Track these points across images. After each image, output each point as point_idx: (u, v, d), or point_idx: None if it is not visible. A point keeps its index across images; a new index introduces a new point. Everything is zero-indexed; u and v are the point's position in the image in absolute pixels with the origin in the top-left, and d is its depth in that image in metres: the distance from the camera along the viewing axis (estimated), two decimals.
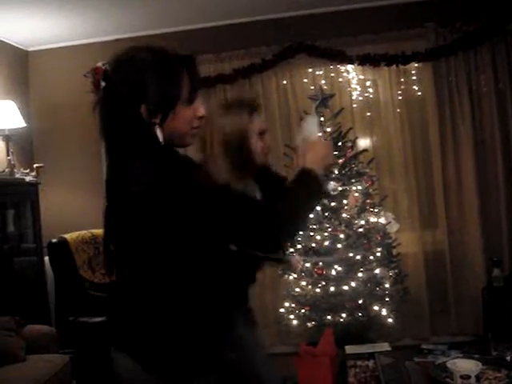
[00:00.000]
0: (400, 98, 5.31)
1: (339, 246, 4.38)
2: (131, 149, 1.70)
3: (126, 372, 1.75)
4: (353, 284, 4.33)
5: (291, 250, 4.55)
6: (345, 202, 4.45)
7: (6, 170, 4.85)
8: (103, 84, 1.80)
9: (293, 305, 4.54)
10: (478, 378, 2.67)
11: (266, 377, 2.26)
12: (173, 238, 1.67)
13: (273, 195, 2.15)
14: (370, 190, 4.60)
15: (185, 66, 1.75)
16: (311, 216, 4.19)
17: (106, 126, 1.77)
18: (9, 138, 5.04)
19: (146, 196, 1.63)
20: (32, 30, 5.24)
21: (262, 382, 2.21)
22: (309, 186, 1.83)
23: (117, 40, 5.53)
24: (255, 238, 1.70)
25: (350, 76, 5.35)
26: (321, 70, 5.36)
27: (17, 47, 5.60)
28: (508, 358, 3.00)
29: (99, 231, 5.05)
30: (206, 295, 1.76)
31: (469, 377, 2.66)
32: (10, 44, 5.47)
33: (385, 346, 4.08)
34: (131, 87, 1.70)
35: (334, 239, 4.39)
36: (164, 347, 1.70)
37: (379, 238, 4.50)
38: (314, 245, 4.42)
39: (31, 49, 5.74)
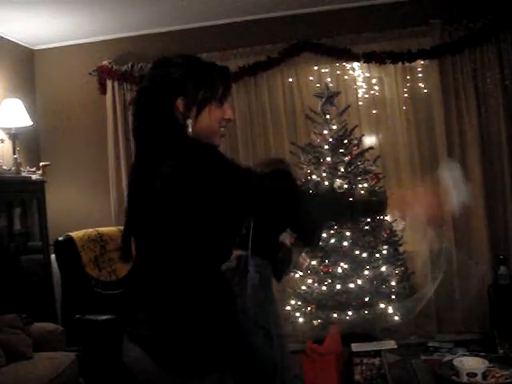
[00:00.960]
0: (406, 95, 5.30)
1: (345, 243, 4.38)
2: (166, 141, 1.77)
3: (137, 362, 1.77)
4: (359, 282, 4.33)
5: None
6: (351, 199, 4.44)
7: (13, 168, 4.87)
8: (141, 84, 1.90)
9: (299, 303, 4.54)
10: (484, 375, 2.67)
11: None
12: (202, 230, 1.72)
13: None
14: (376, 188, 4.60)
15: (219, 71, 1.89)
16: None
17: (140, 121, 1.85)
18: (15, 136, 5.05)
19: (178, 182, 1.69)
20: (38, 29, 5.26)
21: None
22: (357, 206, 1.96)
23: (122, 38, 5.54)
24: (294, 220, 1.80)
25: (356, 74, 5.34)
26: (326, 68, 5.35)
27: (23, 46, 5.61)
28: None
29: (105, 229, 5.06)
30: (221, 288, 1.80)
31: (475, 374, 2.66)
32: (16, 43, 5.49)
33: (391, 344, 4.09)
34: (169, 81, 1.79)
35: (340, 237, 4.39)
36: (177, 341, 1.72)
37: (385, 236, 4.50)
38: (320, 243, 4.42)
39: (37, 47, 5.75)
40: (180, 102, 1.78)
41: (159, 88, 1.80)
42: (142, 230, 1.83)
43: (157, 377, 1.73)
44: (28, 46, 5.67)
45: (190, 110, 1.78)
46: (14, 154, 5.00)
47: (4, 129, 5.01)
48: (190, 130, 1.78)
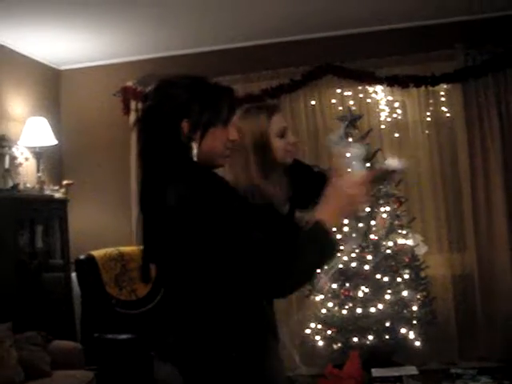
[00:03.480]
0: (429, 119, 5.29)
1: (366, 267, 4.35)
2: (170, 165, 1.75)
3: (169, 380, 1.80)
4: (380, 306, 4.29)
5: (318, 270, 4.53)
6: (373, 223, 4.42)
7: (36, 186, 4.92)
8: (144, 103, 1.87)
9: (319, 326, 4.51)
10: None
11: None
12: (205, 254, 1.68)
13: (305, 188, 2.27)
14: (398, 212, 4.57)
15: (223, 92, 1.86)
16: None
17: (145, 143, 1.82)
18: (39, 154, 5.11)
19: (180, 211, 1.66)
20: (64, 50, 5.35)
21: None
22: (322, 244, 1.71)
23: (146, 60, 5.61)
24: (260, 285, 1.66)
25: (379, 97, 5.34)
26: (349, 91, 5.36)
27: (49, 66, 5.70)
28: None
29: (126, 248, 5.07)
30: (241, 307, 1.78)
31: None
32: (42, 63, 5.57)
33: (412, 370, 4.03)
34: (175, 103, 1.78)
35: (362, 260, 4.36)
36: (202, 360, 1.73)
37: (407, 260, 4.47)
38: (341, 266, 4.39)
39: (63, 68, 5.83)
40: (185, 124, 1.76)
41: (165, 109, 1.78)
42: (160, 255, 1.81)
43: None
44: (54, 66, 5.76)
45: (194, 132, 1.77)
46: (38, 172, 5.06)
47: (29, 147, 5.07)
48: (195, 152, 1.76)
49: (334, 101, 5.40)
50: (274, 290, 1.69)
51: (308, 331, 4.56)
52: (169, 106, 1.78)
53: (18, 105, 5.12)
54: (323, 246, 1.71)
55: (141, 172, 1.86)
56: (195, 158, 1.76)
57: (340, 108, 5.27)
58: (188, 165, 1.76)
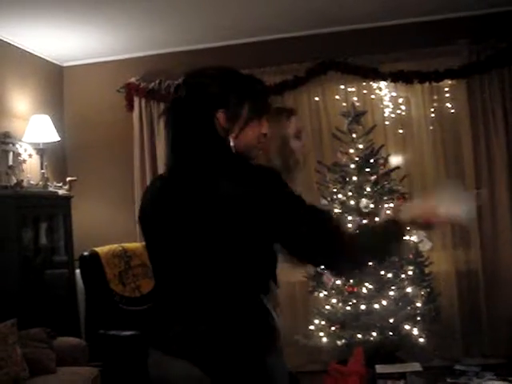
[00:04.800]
0: (433, 115, 5.28)
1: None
2: (211, 157, 1.74)
3: (185, 378, 1.74)
4: (384, 302, 4.28)
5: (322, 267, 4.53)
6: (377, 219, 4.41)
7: (40, 183, 4.92)
8: (176, 94, 1.84)
9: (323, 322, 4.50)
10: None
11: None
12: (252, 253, 1.71)
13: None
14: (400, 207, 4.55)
15: (259, 84, 1.87)
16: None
17: (178, 133, 1.80)
18: (43, 151, 5.11)
19: (237, 200, 1.67)
20: (67, 46, 5.34)
21: None
22: (396, 235, 1.83)
23: (150, 56, 5.60)
24: (330, 260, 1.76)
25: (383, 93, 5.33)
26: (353, 87, 5.35)
27: (52, 62, 5.69)
28: None
29: (130, 245, 5.08)
30: (261, 300, 1.78)
31: None
32: (45, 59, 5.57)
33: (416, 366, 4.03)
34: (211, 93, 1.76)
35: None
36: (225, 354, 1.71)
37: (411, 256, 4.45)
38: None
39: (66, 64, 5.83)
40: (221, 115, 1.74)
41: (199, 99, 1.75)
42: (177, 246, 1.78)
43: None
44: (57, 62, 5.75)
45: (232, 124, 1.75)
46: (42, 169, 5.06)
47: (32, 144, 5.07)
48: (232, 144, 1.75)
49: (337, 97, 5.39)
50: (341, 264, 1.76)
51: (312, 327, 4.55)
52: (203, 96, 1.75)
53: (22, 101, 5.12)
54: (396, 238, 1.82)
55: (169, 161, 1.84)
56: (233, 150, 1.75)
57: (344, 104, 5.25)
58: (231, 156, 1.75)
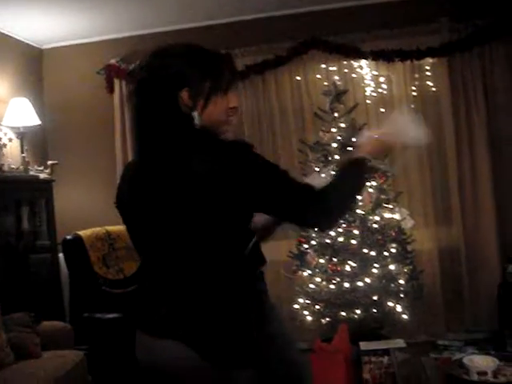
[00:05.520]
0: (414, 93, 5.27)
1: (353, 241, 4.37)
2: (178, 136, 1.74)
3: (176, 359, 1.74)
4: (367, 280, 4.32)
5: (306, 246, 4.55)
6: (359, 198, 4.43)
7: (21, 167, 4.88)
8: (139, 75, 1.84)
9: (307, 301, 4.53)
10: (494, 373, 2.66)
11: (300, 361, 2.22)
12: (226, 220, 1.72)
13: None
14: (385, 186, 4.58)
15: (223, 59, 1.85)
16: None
17: (143, 116, 1.80)
18: (23, 135, 5.06)
19: (211, 177, 1.68)
20: (46, 28, 5.27)
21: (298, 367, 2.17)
22: (357, 171, 1.90)
23: (130, 37, 5.54)
24: (305, 217, 1.79)
25: (364, 72, 5.31)
26: (334, 66, 5.33)
27: (31, 45, 5.62)
28: None
29: (114, 228, 5.06)
30: (245, 274, 1.80)
31: (485, 373, 2.65)
32: (24, 42, 5.50)
33: (400, 343, 4.07)
34: (173, 73, 1.75)
35: (349, 235, 4.38)
36: (209, 331, 1.72)
37: (394, 234, 4.49)
38: (328, 241, 4.41)
39: (45, 46, 5.76)
40: (185, 94, 1.74)
41: (161, 79, 1.75)
42: (155, 228, 1.78)
43: (201, 371, 1.71)
44: (36, 44, 5.68)
45: (196, 101, 1.75)
46: (22, 152, 5.01)
47: (12, 128, 5.02)
48: (196, 122, 1.75)
49: (319, 76, 5.36)
50: (323, 217, 1.80)
51: (296, 306, 4.58)
52: (165, 76, 1.75)
53: (0, 85, 5.06)
54: (362, 171, 1.89)
55: (136, 144, 1.86)
56: (197, 127, 1.75)
57: (325, 83, 5.23)
58: (198, 132, 1.75)
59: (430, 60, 5.22)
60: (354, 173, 1.89)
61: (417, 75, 5.27)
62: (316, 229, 1.96)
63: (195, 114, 1.75)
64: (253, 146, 1.75)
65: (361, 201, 4.42)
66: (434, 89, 5.28)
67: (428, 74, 5.27)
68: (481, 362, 2.72)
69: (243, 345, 1.73)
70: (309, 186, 1.79)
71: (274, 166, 1.75)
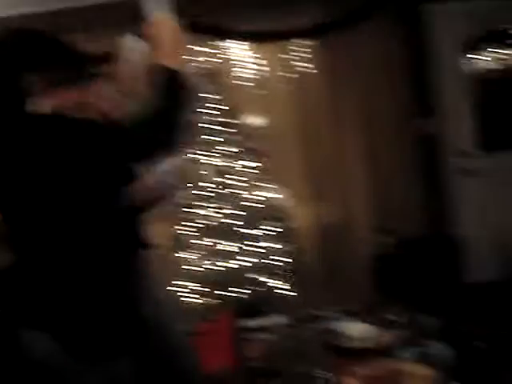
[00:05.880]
0: (288, 74, 5.30)
1: (234, 221, 4.39)
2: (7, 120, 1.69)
3: (43, 351, 1.67)
4: (247, 259, 4.34)
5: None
6: (235, 178, 4.46)
7: None
8: None
9: (186, 283, 4.50)
10: (369, 339, 2.76)
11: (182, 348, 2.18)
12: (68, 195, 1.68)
13: None
14: (261, 165, 4.62)
15: (65, 48, 1.81)
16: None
17: None
18: None
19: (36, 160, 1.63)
20: None
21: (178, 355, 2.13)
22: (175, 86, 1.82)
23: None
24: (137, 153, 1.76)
25: (235, 53, 5.27)
26: (202, 47, 5.22)
27: None
28: (397, 320, 3.12)
29: None
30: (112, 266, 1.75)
31: (365, 339, 2.76)
32: None
33: (282, 319, 4.14)
34: (11, 60, 1.70)
35: (225, 214, 4.39)
36: (78, 324, 1.65)
37: (271, 213, 4.54)
38: (206, 222, 4.40)
39: None
40: (24, 80, 1.69)
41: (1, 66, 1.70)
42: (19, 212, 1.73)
43: (65, 365, 1.64)
44: None
45: (36, 89, 1.70)
46: None
47: None
48: (33, 107, 1.69)
49: (188, 58, 5.26)
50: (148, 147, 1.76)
51: (178, 289, 4.54)
52: (3, 63, 1.70)
53: None
54: (176, 88, 1.81)
55: None
56: (30, 111, 1.69)
57: (193, 65, 5.15)
58: (38, 118, 1.68)
59: (303, 41, 5.25)
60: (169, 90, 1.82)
61: (289, 56, 5.30)
62: (164, 153, 1.83)
63: (30, 99, 1.68)
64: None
65: (237, 181, 4.45)
66: (307, 70, 5.33)
67: (301, 55, 5.30)
68: (358, 329, 2.83)
69: (112, 334, 1.68)
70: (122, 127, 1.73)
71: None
